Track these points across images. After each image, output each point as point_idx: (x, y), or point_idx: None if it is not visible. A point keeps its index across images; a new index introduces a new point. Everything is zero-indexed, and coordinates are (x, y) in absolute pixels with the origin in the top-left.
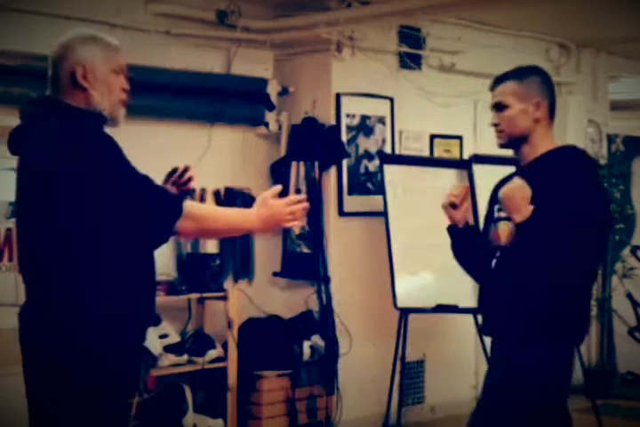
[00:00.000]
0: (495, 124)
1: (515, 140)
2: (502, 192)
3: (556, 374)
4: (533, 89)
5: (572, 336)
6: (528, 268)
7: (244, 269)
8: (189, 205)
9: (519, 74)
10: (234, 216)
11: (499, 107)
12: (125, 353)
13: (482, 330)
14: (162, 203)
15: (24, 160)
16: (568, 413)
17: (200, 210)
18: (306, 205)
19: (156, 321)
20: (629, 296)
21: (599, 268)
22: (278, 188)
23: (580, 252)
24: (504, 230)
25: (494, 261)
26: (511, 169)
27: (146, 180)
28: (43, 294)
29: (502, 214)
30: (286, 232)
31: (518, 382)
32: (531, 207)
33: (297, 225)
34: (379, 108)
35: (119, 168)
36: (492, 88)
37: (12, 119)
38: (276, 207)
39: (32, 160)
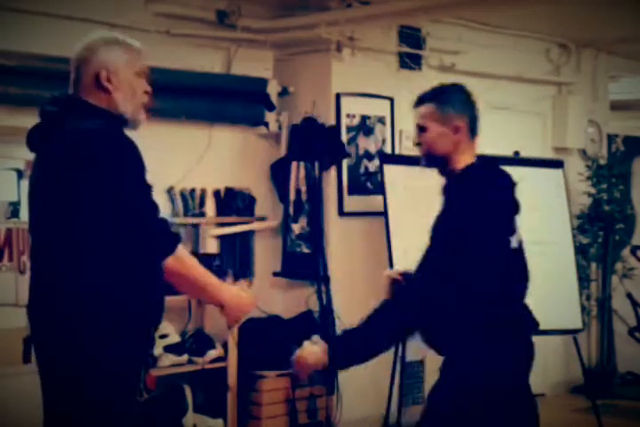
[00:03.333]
0: (417, 144)
1: (437, 160)
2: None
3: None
4: (451, 112)
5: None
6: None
7: (244, 269)
8: (182, 248)
9: (438, 96)
10: (212, 281)
11: (420, 128)
12: (131, 357)
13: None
14: (162, 234)
15: (43, 158)
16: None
17: (190, 258)
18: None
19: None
20: (629, 296)
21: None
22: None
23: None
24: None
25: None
26: (511, 169)
27: (155, 206)
28: (51, 292)
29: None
30: (286, 232)
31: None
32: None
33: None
34: (379, 108)
35: (133, 178)
36: (415, 107)
37: (11, 119)
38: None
39: (49, 159)
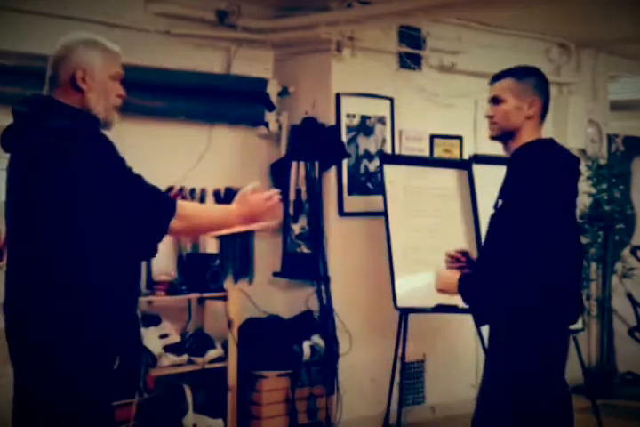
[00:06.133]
0: (490, 117)
1: (505, 134)
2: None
3: (551, 355)
4: (529, 88)
5: (564, 316)
6: (504, 259)
7: (244, 269)
8: (179, 204)
9: (518, 72)
10: (217, 214)
11: (495, 100)
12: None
13: (477, 322)
14: (157, 203)
15: (17, 158)
16: (570, 407)
17: (187, 208)
18: (277, 198)
19: (157, 321)
20: (629, 296)
21: (581, 253)
22: (256, 184)
23: (543, 238)
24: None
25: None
26: None
27: (140, 180)
28: (36, 292)
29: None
30: (286, 232)
31: (515, 367)
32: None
33: (272, 224)
34: (379, 108)
35: (115, 168)
36: (491, 83)
37: (10, 119)
38: (255, 204)
39: (27, 158)
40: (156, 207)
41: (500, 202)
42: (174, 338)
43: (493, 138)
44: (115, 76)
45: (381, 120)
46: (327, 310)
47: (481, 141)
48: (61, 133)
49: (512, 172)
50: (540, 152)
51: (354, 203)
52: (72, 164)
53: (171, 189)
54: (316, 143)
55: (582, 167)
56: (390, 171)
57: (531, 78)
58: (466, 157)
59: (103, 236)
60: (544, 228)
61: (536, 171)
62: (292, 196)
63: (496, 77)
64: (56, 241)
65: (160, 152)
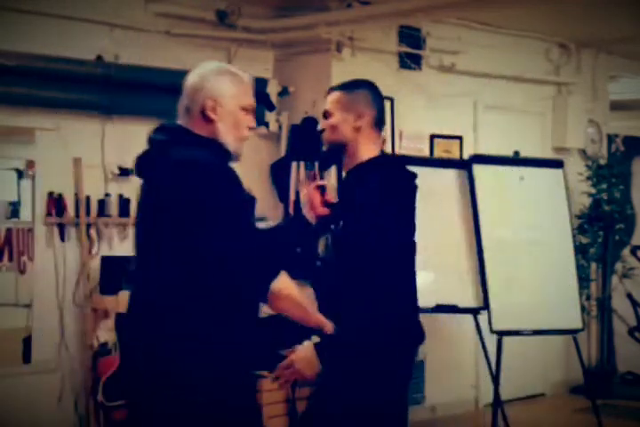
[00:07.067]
0: (321, 131)
1: (336, 147)
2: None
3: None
4: (358, 100)
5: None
6: (342, 274)
7: None
8: (282, 280)
9: (347, 86)
10: (308, 310)
11: (325, 114)
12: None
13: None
14: (265, 262)
15: (150, 184)
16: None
17: (287, 293)
18: None
19: None
20: (629, 296)
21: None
22: None
23: (383, 256)
24: (322, 242)
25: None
26: (511, 169)
27: (255, 234)
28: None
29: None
30: None
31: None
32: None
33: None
34: None
35: (240, 205)
36: (325, 96)
37: (11, 119)
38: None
39: (159, 186)
40: (264, 266)
41: (341, 223)
42: None
43: (327, 152)
44: (246, 108)
45: None
46: None
47: (481, 141)
48: (192, 164)
49: (349, 190)
50: (378, 171)
51: None
52: (198, 195)
53: None
54: (316, 143)
55: (582, 167)
56: None
57: (360, 90)
58: (466, 157)
59: (214, 267)
60: (384, 247)
61: (374, 191)
62: (291, 196)
63: (329, 91)
64: (171, 266)
65: None
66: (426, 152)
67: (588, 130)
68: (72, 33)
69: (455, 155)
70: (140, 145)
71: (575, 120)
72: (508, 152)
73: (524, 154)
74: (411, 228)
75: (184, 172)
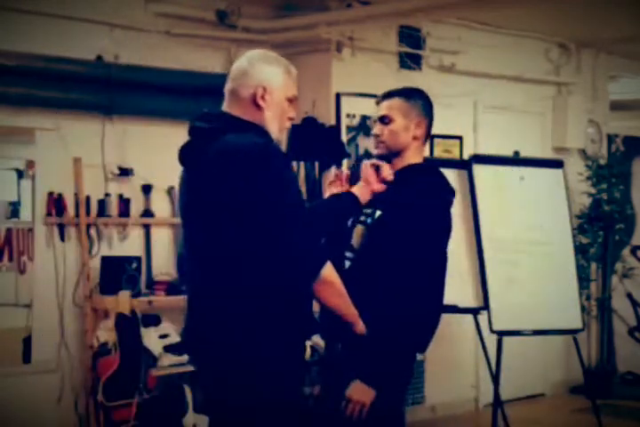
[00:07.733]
0: (377, 135)
1: (392, 153)
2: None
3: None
4: (417, 109)
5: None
6: (375, 269)
7: None
8: (328, 271)
9: (406, 93)
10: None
11: (383, 119)
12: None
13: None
14: (305, 256)
15: (198, 172)
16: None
17: (334, 271)
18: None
19: (157, 321)
20: (629, 296)
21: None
22: None
23: (422, 256)
24: (358, 233)
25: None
26: (511, 169)
27: (305, 224)
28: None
29: (362, 218)
30: None
31: None
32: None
33: None
34: None
35: (295, 191)
36: (379, 102)
37: (11, 119)
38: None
39: (210, 172)
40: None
41: (378, 213)
42: (174, 338)
43: (380, 157)
44: (291, 99)
45: None
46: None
47: (481, 141)
48: (244, 148)
49: (396, 189)
50: (431, 176)
51: None
52: (257, 179)
53: (172, 189)
54: (316, 143)
55: (582, 167)
56: None
57: (418, 100)
58: (466, 157)
59: (264, 252)
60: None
61: (426, 193)
62: None
63: (384, 97)
64: (220, 254)
65: (160, 152)
66: (426, 152)
67: (588, 130)
68: (72, 33)
69: (455, 155)
70: (140, 145)
71: (575, 120)
72: (508, 152)
73: (524, 154)
74: (448, 237)
75: (239, 153)
